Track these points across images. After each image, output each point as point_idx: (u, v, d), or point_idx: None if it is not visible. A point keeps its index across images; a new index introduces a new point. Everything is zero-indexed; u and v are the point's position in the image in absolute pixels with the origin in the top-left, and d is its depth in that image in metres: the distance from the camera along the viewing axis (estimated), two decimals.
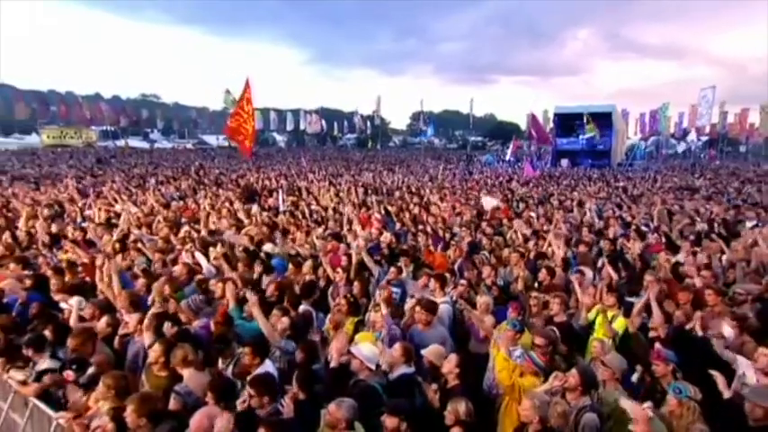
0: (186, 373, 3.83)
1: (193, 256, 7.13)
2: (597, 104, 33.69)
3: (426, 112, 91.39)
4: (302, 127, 74.34)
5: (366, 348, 3.78)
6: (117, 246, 7.87)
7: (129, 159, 33.53)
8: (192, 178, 19.83)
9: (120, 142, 54.83)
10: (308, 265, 6.89)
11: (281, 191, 13.52)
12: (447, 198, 13.69)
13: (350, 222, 10.00)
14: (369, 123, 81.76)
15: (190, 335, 4.44)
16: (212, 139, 71.54)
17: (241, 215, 10.95)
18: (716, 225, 10.29)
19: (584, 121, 24.46)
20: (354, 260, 7.00)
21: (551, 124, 39.08)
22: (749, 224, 11.13)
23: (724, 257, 7.76)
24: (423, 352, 4.31)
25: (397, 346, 4.10)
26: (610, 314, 5.25)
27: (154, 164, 29.83)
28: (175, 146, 62.14)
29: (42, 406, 4.12)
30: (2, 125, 61.51)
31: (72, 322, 5.09)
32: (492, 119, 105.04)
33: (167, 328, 4.52)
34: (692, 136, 35.43)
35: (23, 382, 4.35)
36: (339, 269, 6.52)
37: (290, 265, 7.13)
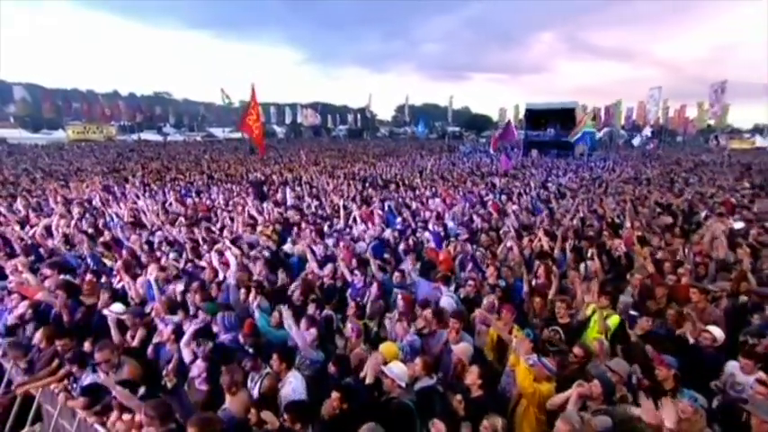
0: (228, 395, 3.52)
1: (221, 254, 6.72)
2: (562, 101, 33.40)
3: (409, 105, 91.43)
4: (299, 120, 74.11)
5: (397, 368, 3.49)
6: (145, 246, 7.49)
7: (146, 153, 32.49)
8: (205, 173, 19.10)
9: (135, 136, 53.71)
10: (328, 267, 6.47)
11: (288, 187, 13.06)
12: (442, 193, 13.23)
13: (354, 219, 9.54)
14: (359, 116, 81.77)
15: (226, 350, 4.11)
16: (219, 132, 70.46)
17: (254, 212, 10.53)
18: (679, 218, 10.08)
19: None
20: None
21: (521, 117, 38.95)
22: (702, 214, 10.98)
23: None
24: (453, 348, 4.07)
25: (419, 360, 3.82)
26: (605, 313, 5.05)
27: (170, 156, 28.92)
28: (186, 138, 60.74)
29: (90, 420, 3.81)
30: (31, 121, 59.30)
31: (113, 331, 4.73)
32: (467, 111, 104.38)
33: (203, 345, 4.20)
34: (647, 130, 35.56)
35: (70, 396, 4.04)
36: (357, 272, 6.15)
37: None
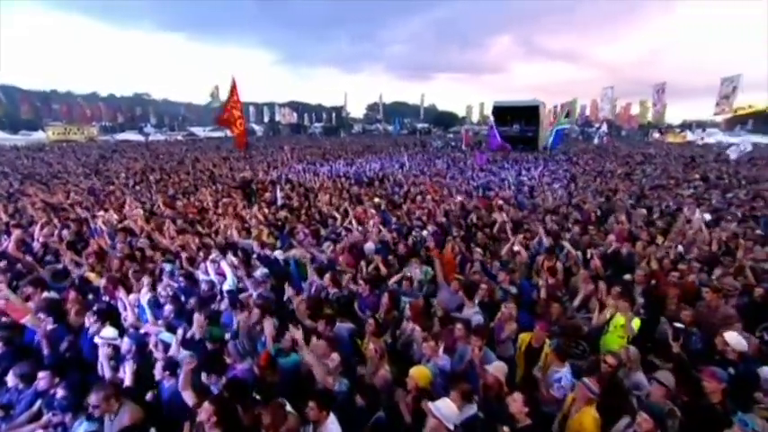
0: None
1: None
2: (527, 99, 33.31)
3: (380, 102, 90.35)
4: (277, 118, 72.52)
5: (445, 407, 2.81)
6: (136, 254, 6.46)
7: (129, 153, 30.22)
8: (190, 173, 17.70)
9: (117, 136, 50.47)
10: (327, 276, 5.60)
11: (278, 186, 12.06)
12: (428, 189, 12.58)
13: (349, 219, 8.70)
14: (334, 114, 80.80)
15: (240, 386, 3.34)
16: (200, 131, 67.22)
17: (244, 213, 9.58)
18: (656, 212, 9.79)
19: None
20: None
21: (485, 112, 38.78)
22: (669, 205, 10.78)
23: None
24: (487, 368, 3.47)
25: (455, 393, 3.16)
26: (625, 316, 4.55)
27: (153, 156, 26.96)
28: (168, 138, 57.52)
29: None
30: (9, 123, 54.77)
31: (105, 363, 3.85)
32: (434, 109, 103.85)
33: (208, 379, 3.42)
34: (605, 127, 36.10)
35: None
36: (362, 281, 5.43)
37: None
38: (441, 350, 3.74)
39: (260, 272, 5.87)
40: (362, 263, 6.22)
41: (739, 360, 3.93)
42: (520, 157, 24.82)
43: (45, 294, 5.04)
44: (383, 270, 5.86)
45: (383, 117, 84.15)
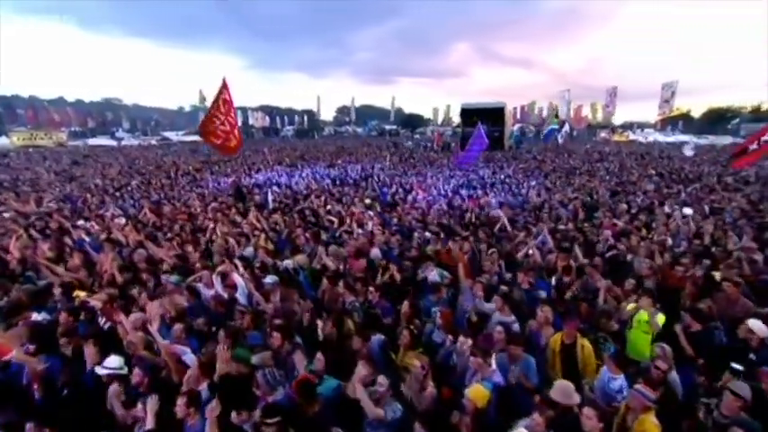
0: None
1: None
2: (492, 101, 33.42)
3: (349, 106, 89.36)
4: (251, 122, 70.56)
5: None
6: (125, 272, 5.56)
7: (103, 158, 27.93)
8: (171, 178, 16.40)
9: (88, 141, 46.73)
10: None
11: (269, 189, 11.24)
12: (416, 189, 12.12)
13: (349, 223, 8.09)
14: (306, 117, 79.66)
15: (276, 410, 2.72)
16: (173, 135, 63.69)
17: (236, 217, 8.78)
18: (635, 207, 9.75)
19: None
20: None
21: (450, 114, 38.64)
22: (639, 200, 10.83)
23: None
24: (551, 394, 3.04)
25: (540, 416, 2.72)
26: (649, 312, 4.29)
27: (128, 161, 24.97)
28: (141, 142, 53.99)
29: None
30: None
31: (115, 403, 3.14)
32: (401, 111, 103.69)
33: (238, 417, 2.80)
34: (567, 127, 37.00)
35: None
36: (372, 288, 4.87)
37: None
38: (493, 364, 3.28)
39: (269, 279, 5.22)
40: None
41: (760, 347, 3.78)
42: (490, 155, 24.86)
43: (32, 318, 4.20)
44: (397, 277, 5.35)
45: (354, 119, 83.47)
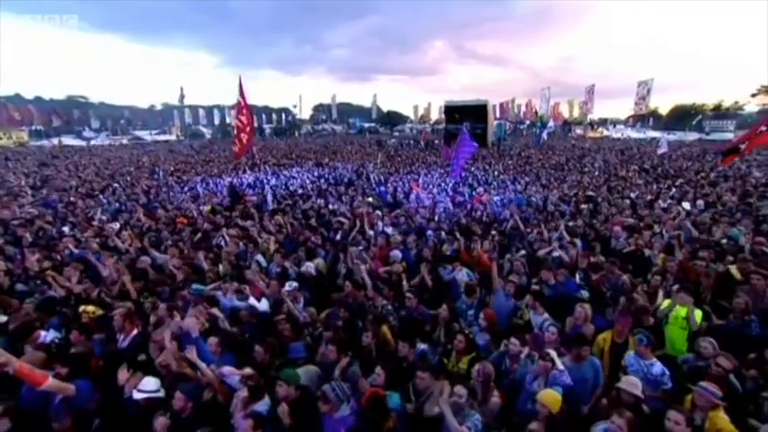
0: None
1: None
2: (476, 99, 33.78)
3: (326, 104, 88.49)
4: (228, 121, 68.73)
5: None
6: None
7: (74, 158, 26.36)
8: (157, 179, 15.60)
9: (55, 140, 43.96)
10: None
11: (268, 190, 10.82)
12: (413, 186, 11.98)
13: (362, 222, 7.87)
14: (284, 115, 78.50)
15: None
16: (146, 135, 60.87)
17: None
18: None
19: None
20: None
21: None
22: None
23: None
24: (623, 386, 3.00)
25: (621, 420, 2.60)
26: (687, 308, 4.32)
27: (104, 162, 23.64)
28: (112, 142, 51.35)
29: None
30: None
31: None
32: (378, 109, 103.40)
33: None
34: (551, 123, 37.85)
35: None
36: (410, 294, 4.69)
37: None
38: (559, 365, 3.17)
39: (288, 286, 4.95)
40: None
41: None
42: (476, 153, 25.00)
43: (41, 338, 3.78)
44: (428, 281, 5.20)
45: (330, 117, 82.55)
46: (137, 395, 3.00)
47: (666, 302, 4.54)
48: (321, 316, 4.47)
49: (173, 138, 58.46)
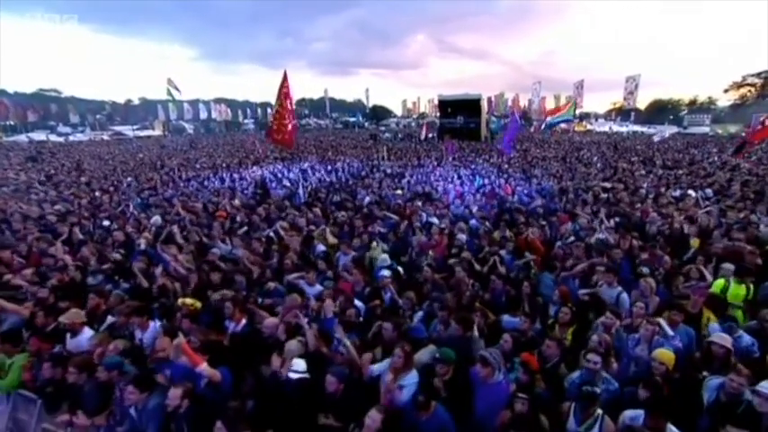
0: None
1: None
2: (469, 93, 34.27)
3: (308, 98, 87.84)
4: (213, 116, 67.49)
5: None
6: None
7: (58, 156, 25.38)
8: (170, 175, 15.33)
9: (25, 136, 41.64)
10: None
11: (301, 182, 10.87)
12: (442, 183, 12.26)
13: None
14: (267, 110, 77.26)
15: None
16: (127, 130, 58.54)
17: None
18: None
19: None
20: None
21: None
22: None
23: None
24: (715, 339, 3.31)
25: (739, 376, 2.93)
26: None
27: (95, 158, 22.92)
28: (92, 138, 49.31)
29: None
30: None
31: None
32: (361, 103, 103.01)
33: None
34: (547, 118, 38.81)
35: None
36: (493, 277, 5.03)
37: None
38: (669, 331, 3.52)
39: (384, 272, 5.09)
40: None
41: None
42: (474, 146, 25.52)
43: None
44: (500, 265, 5.52)
45: (314, 112, 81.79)
46: (293, 375, 3.18)
47: (720, 281, 4.94)
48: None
49: (156, 133, 56.57)
